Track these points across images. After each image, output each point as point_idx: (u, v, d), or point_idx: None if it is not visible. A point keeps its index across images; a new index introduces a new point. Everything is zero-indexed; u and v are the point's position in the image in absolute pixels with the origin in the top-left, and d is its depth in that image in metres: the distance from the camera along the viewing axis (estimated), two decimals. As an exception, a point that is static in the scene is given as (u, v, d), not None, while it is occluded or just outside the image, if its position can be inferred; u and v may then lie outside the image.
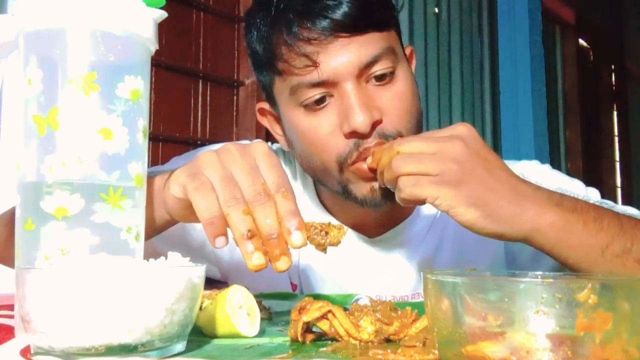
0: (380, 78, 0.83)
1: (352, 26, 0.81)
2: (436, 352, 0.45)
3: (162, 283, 0.45)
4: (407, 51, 0.95)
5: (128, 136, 0.56)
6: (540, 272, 0.48)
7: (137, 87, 0.57)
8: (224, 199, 0.58)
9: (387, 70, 0.83)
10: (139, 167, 0.57)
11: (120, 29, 0.56)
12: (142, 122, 0.58)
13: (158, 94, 1.76)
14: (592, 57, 4.96)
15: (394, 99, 0.84)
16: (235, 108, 2.09)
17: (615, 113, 5.34)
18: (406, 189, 0.70)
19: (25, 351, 0.47)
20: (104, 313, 0.42)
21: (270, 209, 0.58)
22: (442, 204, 0.69)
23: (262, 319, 0.58)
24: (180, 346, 0.48)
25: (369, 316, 0.51)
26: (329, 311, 0.52)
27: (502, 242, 0.73)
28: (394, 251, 0.99)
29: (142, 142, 0.58)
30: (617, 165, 5.31)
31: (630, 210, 0.91)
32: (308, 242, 0.59)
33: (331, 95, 0.83)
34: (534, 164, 1.03)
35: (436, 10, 3.19)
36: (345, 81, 0.82)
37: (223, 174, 0.60)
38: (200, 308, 0.55)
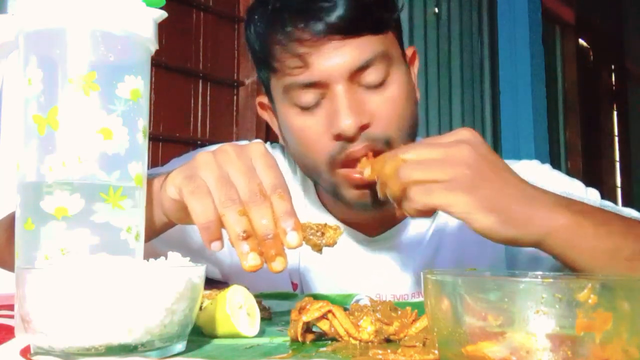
0: (372, 82, 0.83)
1: (346, 29, 0.81)
2: (436, 352, 0.45)
3: (162, 283, 0.45)
4: (409, 52, 0.94)
5: (128, 136, 0.56)
6: (540, 272, 0.48)
7: (137, 87, 0.57)
8: (220, 199, 0.58)
9: (379, 74, 0.83)
10: (139, 167, 0.57)
11: (120, 29, 0.56)
12: (142, 122, 0.58)
13: (158, 94, 1.76)
14: (592, 57, 4.96)
15: (385, 104, 0.84)
16: (235, 108, 2.09)
17: (615, 113, 5.34)
18: (418, 199, 0.66)
19: (25, 351, 0.47)
20: (104, 313, 0.42)
21: (266, 209, 0.58)
22: (458, 210, 0.66)
23: (262, 319, 0.58)
24: (180, 346, 0.48)
25: (369, 316, 0.51)
26: (329, 311, 0.52)
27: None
28: (394, 250, 0.99)
29: (142, 142, 0.58)
30: (617, 165, 5.31)
31: (634, 213, 0.91)
32: (304, 242, 0.59)
33: (323, 97, 0.83)
34: (534, 163, 1.03)
35: (436, 10, 3.19)
36: (337, 83, 0.82)
37: (219, 174, 0.60)
38: (200, 308, 0.55)
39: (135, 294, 0.43)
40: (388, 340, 0.52)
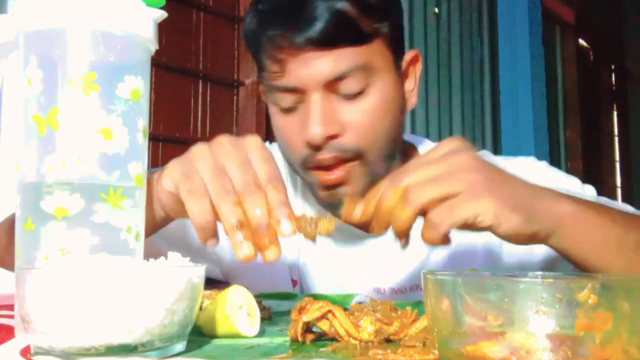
0: (348, 92, 0.83)
1: (324, 42, 0.81)
2: (436, 352, 0.45)
3: (162, 283, 0.45)
4: (409, 57, 0.93)
5: (128, 136, 0.56)
6: (540, 272, 0.48)
7: (137, 87, 0.57)
8: (215, 190, 0.59)
9: (356, 85, 0.83)
10: (139, 167, 0.57)
11: (120, 29, 0.56)
12: (142, 122, 0.58)
13: (158, 94, 1.76)
14: (592, 57, 4.96)
15: (359, 115, 0.84)
16: (235, 108, 2.09)
17: (615, 113, 5.34)
18: (442, 219, 0.61)
19: (25, 351, 0.47)
20: (104, 313, 0.42)
21: (260, 199, 0.58)
22: (486, 218, 0.62)
23: (262, 319, 0.58)
24: (180, 346, 0.48)
25: (369, 316, 0.51)
26: (329, 311, 0.52)
27: (497, 240, 0.70)
28: (392, 244, 0.99)
29: (142, 142, 0.58)
30: (617, 165, 5.31)
31: (629, 208, 0.91)
32: (298, 232, 0.59)
33: (301, 101, 0.85)
34: (531, 160, 1.03)
35: (436, 10, 3.19)
36: (312, 91, 0.83)
37: (214, 166, 0.60)
38: (200, 308, 0.55)
39: (135, 294, 0.43)
40: (388, 340, 0.52)
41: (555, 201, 0.67)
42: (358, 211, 0.66)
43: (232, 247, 0.58)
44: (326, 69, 0.82)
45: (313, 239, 0.61)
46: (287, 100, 0.85)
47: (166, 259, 0.52)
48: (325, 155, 0.84)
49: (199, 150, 0.62)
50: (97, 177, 0.54)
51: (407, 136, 1.05)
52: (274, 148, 1.04)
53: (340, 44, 0.82)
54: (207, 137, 1.95)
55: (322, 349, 0.50)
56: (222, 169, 0.60)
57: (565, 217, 0.66)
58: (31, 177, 0.55)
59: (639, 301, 0.38)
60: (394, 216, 0.63)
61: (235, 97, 2.09)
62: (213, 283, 1.03)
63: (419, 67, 0.95)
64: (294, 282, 1.03)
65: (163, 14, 0.59)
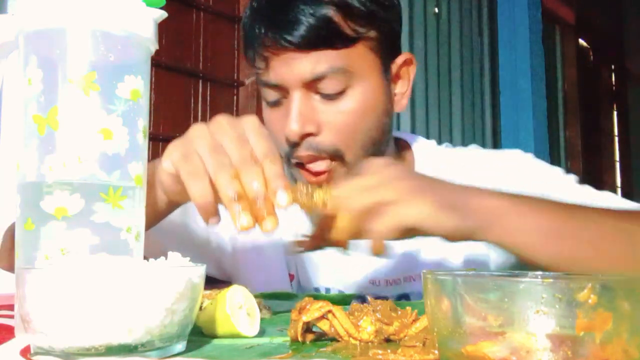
0: (327, 93, 0.87)
1: (305, 45, 0.85)
2: (436, 352, 0.45)
3: (162, 283, 0.45)
4: (400, 60, 0.95)
5: (128, 136, 0.56)
6: (540, 272, 0.48)
7: (137, 87, 0.57)
8: (212, 166, 0.60)
9: (335, 86, 0.86)
10: (139, 167, 0.57)
11: (120, 29, 0.56)
12: (142, 122, 0.58)
13: (158, 94, 1.76)
14: (592, 57, 4.96)
15: (337, 115, 0.87)
16: (235, 108, 2.09)
17: (615, 113, 5.34)
18: (381, 225, 0.66)
19: (25, 351, 0.47)
20: (104, 313, 0.42)
21: (257, 173, 0.59)
22: (422, 221, 0.66)
23: (262, 319, 0.58)
24: (180, 346, 0.48)
25: (369, 316, 0.51)
26: (329, 311, 0.52)
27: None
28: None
29: (142, 142, 0.58)
30: (617, 165, 5.31)
31: (611, 198, 0.92)
32: (294, 203, 0.61)
33: (284, 97, 0.89)
34: (518, 152, 1.05)
35: (436, 10, 3.19)
36: (294, 89, 0.87)
37: (212, 143, 0.61)
38: (200, 308, 0.55)
39: (135, 294, 0.43)
40: (388, 340, 0.52)
41: (486, 197, 0.70)
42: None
43: (231, 218, 0.59)
44: (305, 69, 0.86)
45: (309, 210, 0.62)
46: (272, 95, 0.90)
47: (166, 258, 0.52)
48: (302, 152, 0.88)
49: (197, 129, 0.63)
50: (97, 177, 0.54)
51: (401, 134, 1.08)
52: None
53: (321, 46, 0.85)
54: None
55: (322, 349, 0.50)
56: (220, 146, 0.61)
57: (496, 211, 0.69)
58: (31, 177, 0.55)
59: (639, 301, 0.38)
60: (335, 227, 0.67)
61: (235, 97, 2.09)
62: (213, 283, 1.03)
63: (412, 69, 0.97)
64: (291, 277, 1.04)
65: (163, 14, 0.59)
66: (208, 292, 0.62)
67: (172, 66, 1.87)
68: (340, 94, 0.87)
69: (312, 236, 0.72)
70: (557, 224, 0.71)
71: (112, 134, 0.55)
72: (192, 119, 1.95)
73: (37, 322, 0.43)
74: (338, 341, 0.52)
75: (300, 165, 0.90)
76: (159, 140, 1.77)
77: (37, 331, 0.44)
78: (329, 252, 0.99)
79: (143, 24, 0.57)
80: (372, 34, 0.89)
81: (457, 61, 3.34)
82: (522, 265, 0.74)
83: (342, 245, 0.68)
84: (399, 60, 0.95)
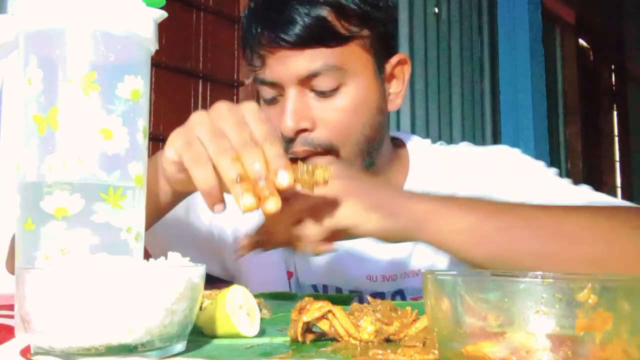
0: (321, 90, 0.89)
1: (300, 43, 0.88)
2: (436, 352, 0.45)
3: (162, 283, 0.45)
4: (395, 60, 0.97)
5: (128, 136, 0.56)
6: (540, 272, 0.48)
7: (137, 87, 0.57)
8: (214, 150, 0.61)
9: (329, 84, 0.89)
10: (139, 167, 0.57)
11: (120, 29, 0.56)
12: (142, 122, 0.58)
13: (158, 94, 1.76)
14: (592, 57, 4.96)
15: (331, 112, 0.90)
16: (235, 108, 2.08)
17: (615, 113, 5.34)
18: (312, 230, 0.68)
19: (25, 351, 0.47)
20: (104, 313, 0.42)
21: (258, 154, 0.60)
22: (355, 220, 0.68)
23: (262, 319, 0.58)
24: (180, 346, 0.48)
25: (369, 316, 0.51)
26: (329, 311, 0.52)
27: None
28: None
29: (142, 142, 0.58)
30: (617, 165, 5.31)
31: (586, 194, 0.93)
32: (295, 182, 0.61)
33: (280, 95, 0.91)
34: (505, 147, 1.08)
35: (436, 10, 3.19)
36: (289, 87, 0.90)
37: (212, 128, 0.62)
38: (200, 308, 0.55)
39: (135, 294, 0.43)
40: (388, 340, 0.52)
41: (414, 200, 0.72)
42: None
43: (234, 199, 0.59)
44: (300, 66, 0.88)
45: (310, 188, 0.63)
46: (269, 93, 0.92)
47: (166, 258, 0.52)
48: (297, 148, 0.90)
49: (197, 116, 0.64)
50: (97, 177, 0.54)
51: (396, 133, 1.11)
52: None
53: (315, 45, 0.88)
54: (207, 137, 1.95)
55: (322, 349, 0.50)
56: (220, 131, 0.62)
57: (425, 213, 0.71)
58: (31, 177, 0.55)
59: (639, 301, 0.38)
60: (276, 230, 0.70)
61: (235, 97, 2.09)
62: (213, 283, 1.04)
63: (407, 69, 1.00)
64: (290, 274, 1.05)
65: (163, 14, 0.59)
66: (208, 292, 0.62)
67: (172, 66, 1.87)
68: (334, 91, 0.90)
69: (253, 237, 0.74)
70: (486, 224, 0.72)
71: (112, 134, 0.55)
72: (192, 119, 1.95)
73: (37, 322, 0.43)
74: (338, 341, 0.52)
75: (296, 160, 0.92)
76: (159, 140, 1.77)
77: (37, 331, 0.44)
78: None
79: (143, 24, 0.57)
80: (366, 33, 0.92)
81: (457, 61, 3.34)
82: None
83: (285, 245, 0.70)
84: (394, 60, 0.97)
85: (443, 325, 0.41)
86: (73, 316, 0.42)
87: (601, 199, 0.92)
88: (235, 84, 2.09)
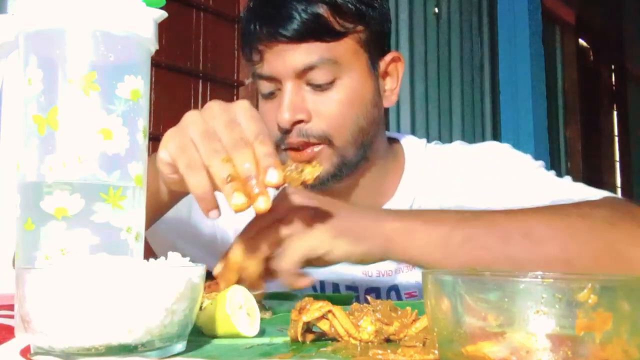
0: (317, 82, 0.93)
1: (297, 37, 0.91)
2: (436, 352, 0.45)
3: (162, 283, 0.45)
4: (389, 57, 1.01)
5: (128, 136, 0.56)
6: (540, 272, 0.48)
7: (137, 87, 0.57)
8: (205, 152, 0.62)
9: (324, 76, 0.92)
10: (139, 167, 0.57)
11: (120, 29, 0.56)
12: (142, 122, 0.58)
13: (158, 94, 1.76)
14: (592, 57, 4.96)
15: (326, 104, 0.93)
16: (235, 108, 2.08)
17: (615, 113, 5.34)
18: (282, 264, 0.69)
19: (25, 351, 0.47)
20: (104, 313, 0.42)
21: (248, 154, 0.61)
22: (323, 248, 0.70)
23: (262, 319, 0.58)
24: (180, 346, 0.48)
25: (369, 316, 0.51)
26: (329, 311, 0.52)
27: None
28: None
29: (142, 142, 0.58)
30: (617, 165, 5.31)
31: (570, 187, 0.95)
32: (285, 180, 0.62)
33: (278, 89, 0.95)
34: (494, 143, 1.10)
35: (436, 10, 3.19)
36: (286, 80, 0.93)
37: (204, 129, 0.63)
38: (200, 308, 0.55)
39: (135, 294, 0.43)
40: (388, 340, 0.52)
41: (382, 220, 0.74)
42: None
43: (226, 199, 0.60)
44: (297, 60, 0.91)
45: (299, 186, 0.64)
46: (266, 87, 0.96)
47: (166, 258, 0.52)
48: (293, 139, 0.93)
49: (190, 116, 0.65)
50: (97, 177, 0.54)
51: (392, 133, 1.14)
52: None
53: (311, 39, 0.91)
54: (207, 137, 1.95)
55: (322, 349, 0.50)
56: (212, 131, 0.63)
57: (392, 232, 0.72)
58: (31, 177, 0.55)
59: (639, 301, 0.38)
60: (245, 272, 0.70)
61: (235, 97, 2.09)
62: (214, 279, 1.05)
63: (400, 67, 1.03)
64: None
65: (163, 14, 0.59)
66: (207, 282, 0.63)
67: (172, 66, 1.87)
68: (329, 84, 0.93)
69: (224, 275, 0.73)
70: (453, 234, 0.73)
71: (112, 134, 0.55)
72: (192, 119, 1.95)
73: (37, 322, 0.43)
74: (338, 341, 0.52)
75: (291, 149, 0.95)
76: (159, 140, 1.77)
77: (37, 331, 0.44)
78: None
79: (143, 24, 0.57)
80: (360, 29, 0.95)
81: (457, 61, 3.34)
82: None
83: (256, 286, 0.70)
84: (388, 57, 1.01)
85: (443, 325, 0.41)
86: (73, 316, 0.42)
87: (581, 190, 0.94)
88: (235, 84, 2.09)
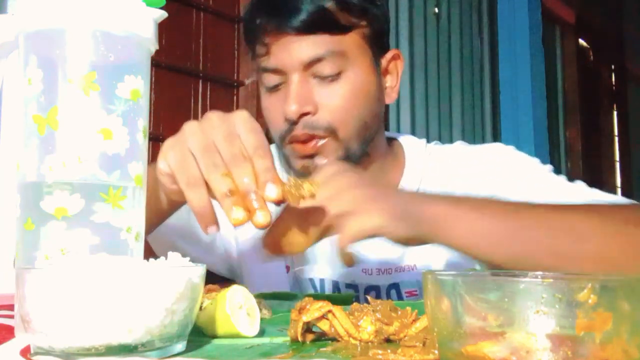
0: (324, 75, 0.94)
1: (305, 29, 0.92)
2: (436, 352, 0.45)
3: (162, 283, 0.45)
4: (389, 55, 1.03)
5: (128, 136, 0.56)
6: (540, 272, 0.48)
7: (137, 87, 0.57)
8: (205, 166, 0.62)
9: (331, 69, 0.93)
10: (139, 167, 0.57)
11: (120, 29, 0.56)
12: (142, 122, 0.58)
13: (158, 94, 1.76)
14: (592, 57, 4.96)
15: (333, 97, 0.94)
16: (235, 108, 2.08)
17: (615, 113, 5.34)
18: (343, 239, 0.68)
19: (25, 351, 0.47)
20: (104, 313, 0.42)
21: (247, 169, 0.61)
22: (382, 228, 0.68)
23: (262, 319, 0.58)
24: (180, 346, 0.48)
25: (369, 316, 0.51)
26: (329, 311, 0.52)
27: None
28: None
29: (142, 142, 0.58)
30: (617, 165, 5.31)
31: (580, 192, 0.95)
32: (284, 196, 0.61)
33: (283, 82, 0.95)
34: (499, 145, 1.11)
35: (436, 10, 3.19)
36: (292, 72, 0.94)
37: (204, 143, 0.63)
38: (200, 308, 0.55)
39: (135, 294, 0.43)
40: (388, 340, 0.52)
41: (432, 204, 0.73)
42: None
43: (225, 213, 0.60)
44: (304, 51, 0.93)
45: (297, 202, 0.63)
46: (272, 79, 0.96)
47: (166, 258, 0.52)
48: (298, 131, 0.94)
49: (189, 128, 0.65)
50: (97, 177, 0.54)
51: (392, 134, 1.15)
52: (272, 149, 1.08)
53: (318, 31, 0.93)
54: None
55: (322, 349, 0.50)
56: (211, 145, 0.63)
57: (443, 217, 0.72)
58: (31, 177, 0.55)
59: (639, 301, 0.38)
60: (293, 240, 0.69)
61: (235, 97, 2.09)
62: (216, 281, 1.05)
63: (400, 65, 1.05)
64: (288, 268, 1.06)
65: (163, 14, 0.59)
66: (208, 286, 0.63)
67: (172, 66, 1.87)
68: (335, 76, 0.94)
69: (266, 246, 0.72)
70: (503, 225, 0.73)
71: (112, 134, 0.55)
72: (192, 119, 1.95)
73: (37, 322, 0.43)
74: (338, 341, 0.52)
75: (295, 142, 0.96)
76: (159, 140, 1.77)
77: (37, 331, 0.44)
78: (322, 243, 1.02)
79: (143, 24, 0.57)
80: (364, 24, 0.97)
81: (457, 61, 3.34)
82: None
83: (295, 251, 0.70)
84: (388, 55, 1.03)
85: (443, 325, 0.41)
86: (73, 316, 0.42)
87: (597, 195, 0.94)
88: (235, 84, 2.09)
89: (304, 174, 0.95)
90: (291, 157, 0.98)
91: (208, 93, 2.01)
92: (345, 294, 1.01)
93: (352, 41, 0.95)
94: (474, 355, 0.38)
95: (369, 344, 0.51)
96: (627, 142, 5.35)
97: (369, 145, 1.00)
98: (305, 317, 0.51)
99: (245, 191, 0.60)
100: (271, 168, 0.61)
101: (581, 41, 4.65)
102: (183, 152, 0.64)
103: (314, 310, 0.51)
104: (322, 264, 1.05)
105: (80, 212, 0.54)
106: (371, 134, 1.00)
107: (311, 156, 0.96)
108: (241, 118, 0.65)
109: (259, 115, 1.11)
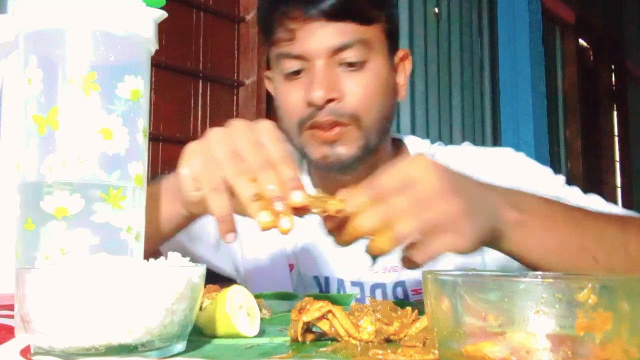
0: (350, 64, 0.94)
1: (333, 15, 0.92)
2: (436, 352, 0.45)
3: (162, 283, 0.45)
4: (400, 54, 1.04)
5: (128, 136, 0.56)
6: (540, 272, 0.48)
7: (137, 87, 0.57)
8: (231, 173, 0.62)
9: (357, 57, 0.94)
10: (139, 167, 0.57)
11: (120, 29, 0.56)
12: (142, 122, 0.58)
13: (158, 94, 1.76)
14: (592, 57, 4.96)
15: (357, 85, 0.94)
16: (235, 108, 2.08)
17: (615, 113, 5.33)
18: (422, 256, 0.63)
19: (25, 351, 0.47)
20: (104, 313, 0.42)
21: (273, 176, 0.61)
22: (465, 250, 0.63)
23: (262, 319, 0.58)
24: (180, 346, 0.48)
25: (369, 316, 0.51)
26: (329, 311, 0.52)
27: None
28: None
29: (142, 142, 0.58)
30: (617, 165, 5.31)
31: (597, 202, 0.95)
32: (309, 205, 0.61)
33: (305, 68, 0.95)
34: (509, 150, 1.09)
35: (436, 10, 3.19)
36: (317, 59, 0.93)
37: (230, 150, 0.63)
38: (200, 308, 0.55)
39: (135, 294, 0.43)
40: (388, 340, 0.52)
41: (506, 209, 0.69)
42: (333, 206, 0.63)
43: (251, 217, 0.60)
44: (333, 38, 0.93)
45: (322, 214, 0.63)
46: (293, 65, 0.95)
47: (166, 258, 0.52)
48: (322, 118, 0.93)
49: (214, 135, 0.65)
50: (97, 177, 0.54)
51: (395, 134, 1.14)
52: None
53: (347, 18, 0.93)
54: (207, 137, 1.95)
55: (322, 349, 0.50)
56: (237, 152, 0.63)
57: (512, 224, 0.69)
58: (31, 177, 0.55)
59: (639, 301, 0.38)
60: (375, 241, 0.63)
61: (235, 97, 2.09)
62: (217, 281, 1.05)
63: (408, 64, 1.06)
64: (291, 267, 1.06)
65: (163, 14, 0.59)
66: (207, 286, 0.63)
67: (172, 66, 1.87)
68: (360, 65, 0.94)
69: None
70: (571, 240, 0.72)
71: (112, 134, 0.55)
72: (192, 119, 1.95)
73: (37, 322, 0.43)
74: (338, 341, 0.52)
75: (317, 128, 0.95)
76: (159, 140, 1.77)
77: (37, 331, 0.44)
78: (327, 241, 1.01)
79: (143, 24, 0.57)
80: (384, 18, 0.98)
81: (457, 61, 3.34)
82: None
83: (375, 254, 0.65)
84: (400, 53, 1.04)
85: (443, 325, 0.41)
86: (73, 316, 0.42)
87: (614, 209, 0.94)
88: (235, 84, 2.09)
89: (323, 164, 0.96)
90: (310, 144, 0.96)
91: (208, 93, 2.01)
92: (346, 294, 1.01)
93: (375, 33, 0.96)
94: (474, 355, 0.38)
95: (369, 344, 0.51)
96: (627, 142, 5.35)
97: (382, 139, 1.00)
98: (305, 317, 0.51)
99: (271, 197, 0.60)
100: (297, 177, 0.62)
101: (581, 41, 4.65)
102: (207, 158, 0.64)
103: (314, 310, 0.51)
104: (327, 261, 1.05)
105: (80, 212, 0.54)
106: (387, 127, 1.01)
107: (332, 143, 0.95)
108: (267, 128, 0.65)
109: (258, 115, 1.11)
